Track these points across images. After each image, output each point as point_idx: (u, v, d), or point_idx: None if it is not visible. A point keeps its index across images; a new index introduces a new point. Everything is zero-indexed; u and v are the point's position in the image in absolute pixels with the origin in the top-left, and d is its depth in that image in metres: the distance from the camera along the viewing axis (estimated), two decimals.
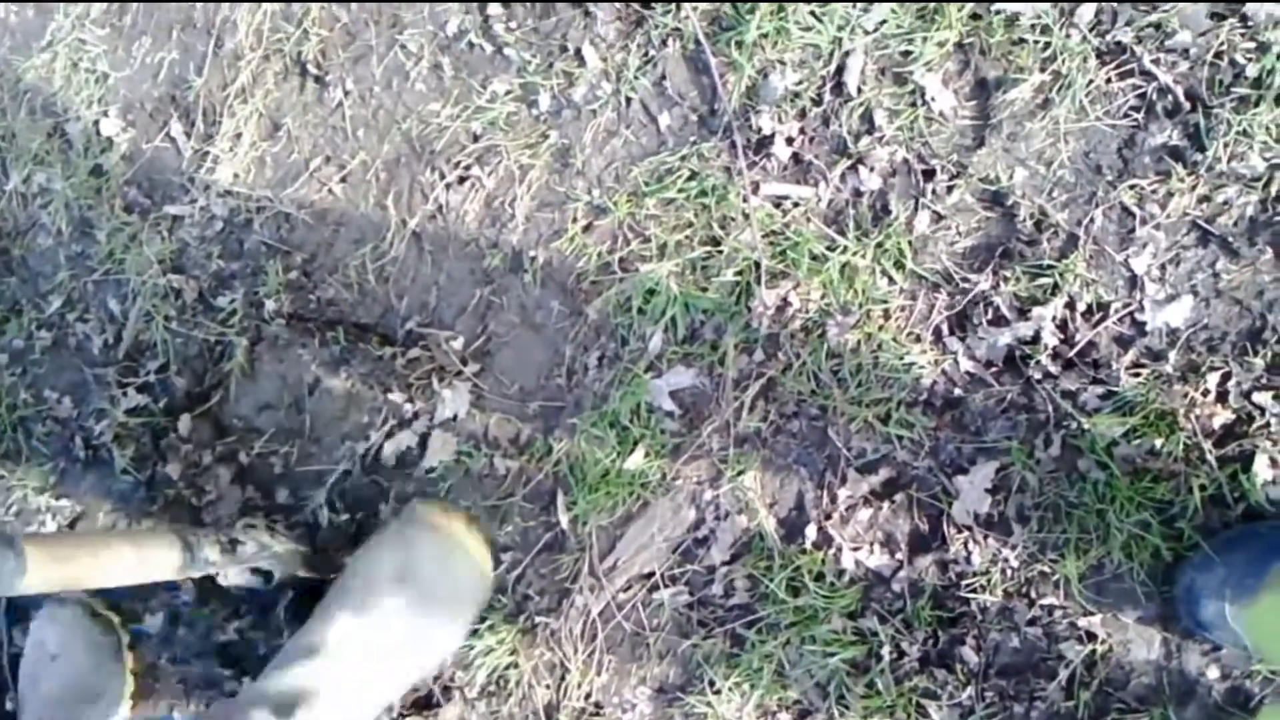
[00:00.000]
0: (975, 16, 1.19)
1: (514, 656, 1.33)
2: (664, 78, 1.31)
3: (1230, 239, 1.12)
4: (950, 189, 1.21)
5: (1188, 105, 1.13)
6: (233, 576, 1.31)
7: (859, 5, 1.22)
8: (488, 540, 1.33)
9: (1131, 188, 1.14)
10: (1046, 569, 1.16)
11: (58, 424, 1.59)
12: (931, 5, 1.20)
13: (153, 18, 1.55)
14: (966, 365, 1.20)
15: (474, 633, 1.35)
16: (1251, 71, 1.10)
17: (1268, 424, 1.09)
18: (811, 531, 1.24)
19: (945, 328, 1.21)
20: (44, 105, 1.61)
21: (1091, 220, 1.16)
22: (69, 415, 1.59)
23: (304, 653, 1.18)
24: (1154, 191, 1.14)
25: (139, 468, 1.53)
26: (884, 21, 1.22)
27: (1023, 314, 1.17)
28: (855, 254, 1.23)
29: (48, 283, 1.60)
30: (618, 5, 1.33)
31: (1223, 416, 1.11)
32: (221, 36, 1.50)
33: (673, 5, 1.29)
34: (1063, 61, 1.16)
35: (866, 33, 1.22)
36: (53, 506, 1.57)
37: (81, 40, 1.58)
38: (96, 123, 1.57)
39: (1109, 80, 1.15)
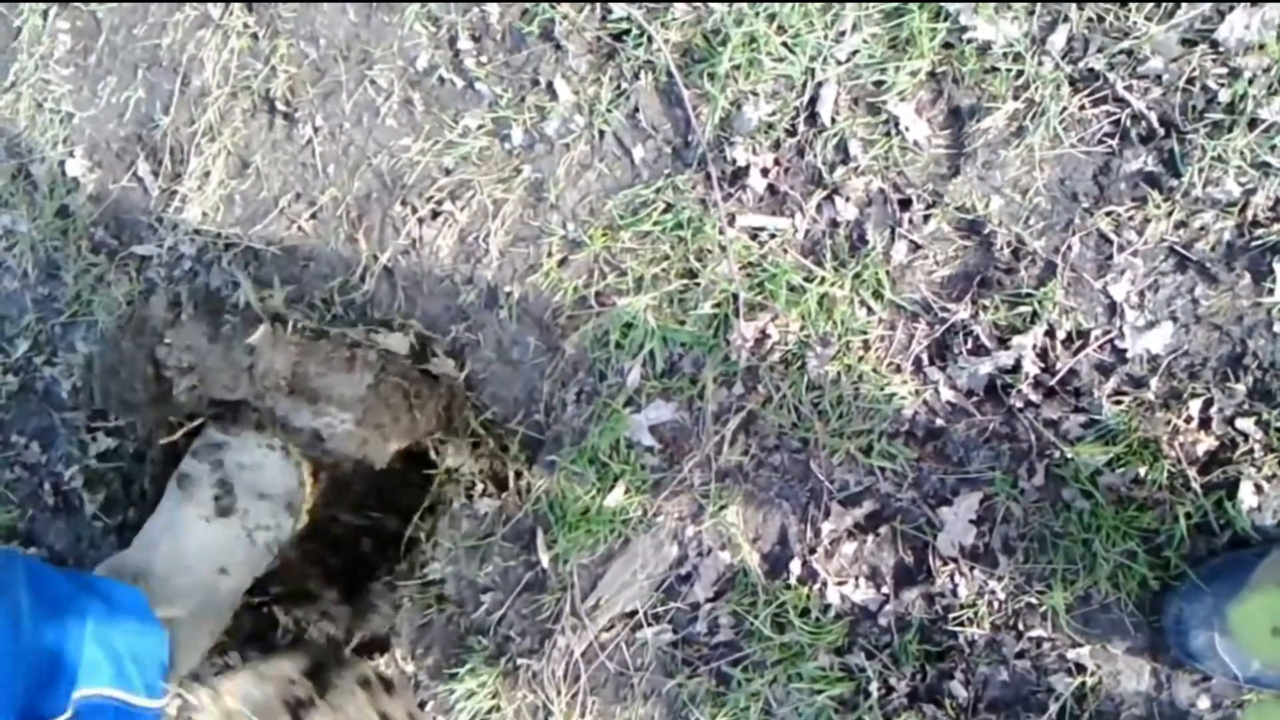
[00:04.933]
0: (947, 45, 1.19)
1: (496, 700, 1.31)
2: (637, 110, 1.30)
3: (1208, 264, 1.11)
4: (927, 218, 1.20)
5: (1162, 131, 1.13)
6: None
7: (830, 35, 1.21)
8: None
9: (1108, 214, 1.14)
10: (1034, 600, 1.15)
11: (26, 470, 1.56)
12: (903, 35, 1.19)
13: (118, 57, 1.53)
14: (948, 395, 1.19)
15: (454, 676, 1.32)
16: (1224, 97, 1.10)
17: (1251, 450, 1.08)
18: (796, 566, 1.22)
19: (925, 357, 1.20)
20: (8, 146, 1.59)
21: (1069, 248, 1.15)
22: (37, 461, 1.55)
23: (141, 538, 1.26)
24: (1131, 218, 1.13)
25: (110, 513, 1.50)
26: (856, 52, 1.21)
27: (1003, 343, 1.17)
28: (833, 284, 1.22)
29: (14, 326, 1.57)
30: (589, 38, 1.32)
31: (1206, 443, 1.10)
32: (188, 74, 1.48)
33: (644, 38, 1.28)
34: (1036, 89, 1.16)
35: (839, 63, 1.22)
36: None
37: (46, 80, 1.56)
38: (62, 163, 1.54)
39: (1082, 107, 1.15)
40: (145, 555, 1.23)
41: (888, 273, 1.21)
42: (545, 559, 1.30)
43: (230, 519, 1.25)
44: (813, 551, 1.22)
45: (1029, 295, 1.16)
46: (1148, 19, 1.13)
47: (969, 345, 1.18)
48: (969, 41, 1.18)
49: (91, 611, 1.06)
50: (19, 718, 0.93)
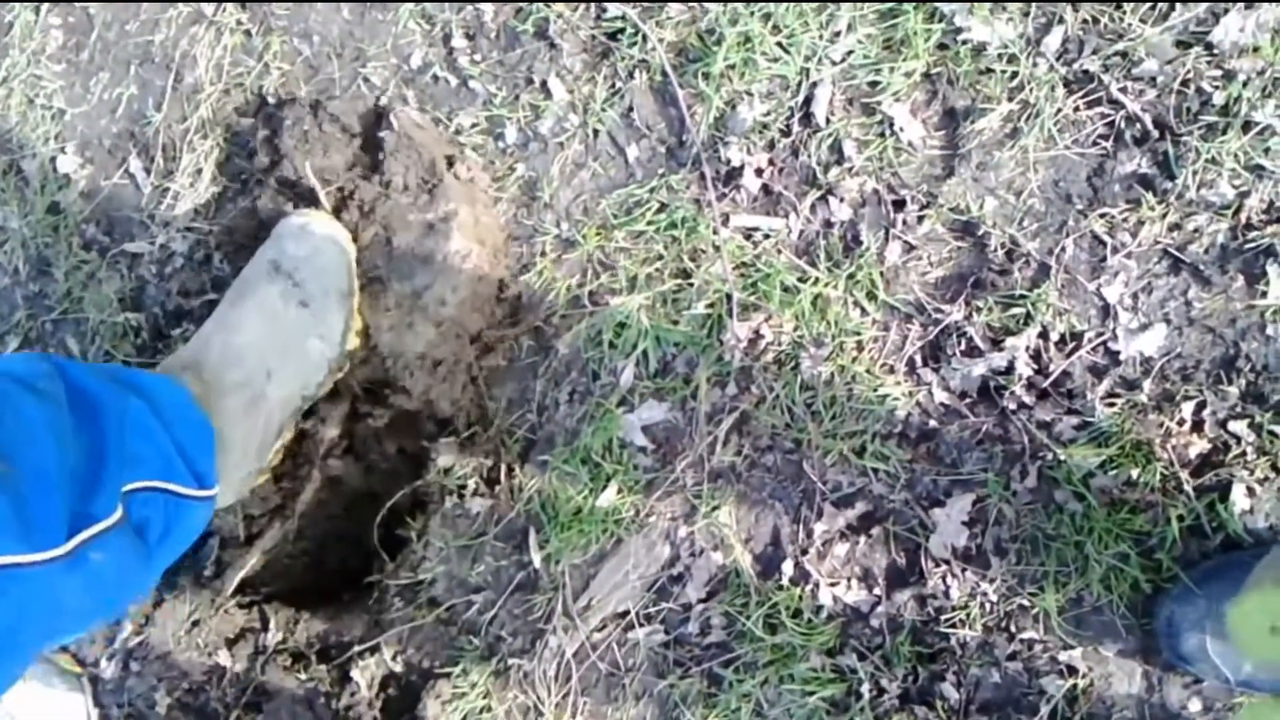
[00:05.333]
0: (942, 46, 1.19)
1: (487, 700, 1.30)
2: (631, 109, 1.29)
3: (1201, 267, 1.11)
4: (921, 219, 1.20)
5: (1156, 133, 1.13)
6: None
7: (825, 36, 1.21)
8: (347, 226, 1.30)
9: (1102, 216, 1.14)
10: (1026, 602, 1.15)
11: None
12: (898, 35, 1.19)
13: (110, 53, 1.52)
14: (941, 396, 1.19)
15: (446, 676, 1.32)
16: (1218, 99, 1.10)
17: (1244, 453, 1.08)
18: (788, 567, 1.22)
19: (919, 359, 1.20)
20: None
21: (1063, 249, 1.15)
22: None
23: (196, 336, 1.25)
24: (1124, 220, 1.13)
25: None
26: (851, 52, 1.21)
27: (996, 344, 1.16)
28: (827, 285, 1.21)
29: (4, 323, 1.56)
30: (583, 37, 1.31)
31: (1199, 446, 1.10)
32: (181, 71, 1.47)
33: (638, 37, 1.28)
34: (1030, 90, 1.16)
35: (834, 63, 1.21)
36: None
37: (37, 76, 1.55)
38: (53, 160, 1.53)
39: (1077, 109, 1.15)
40: (199, 346, 1.22)
41: (881, 274, 1.21)
42: (537, 559, 1.30)
43: (279, 317, 1.23)
44: (805, 552, 1.22)
45: (1022, 297, 1.16)
46: (1142, 21, 1.13)
47: (962, 347, 1.18)
48: (964, 42, 1.17)
49: (132, 408, 1.04)
50: (70, 522, 0.89)
